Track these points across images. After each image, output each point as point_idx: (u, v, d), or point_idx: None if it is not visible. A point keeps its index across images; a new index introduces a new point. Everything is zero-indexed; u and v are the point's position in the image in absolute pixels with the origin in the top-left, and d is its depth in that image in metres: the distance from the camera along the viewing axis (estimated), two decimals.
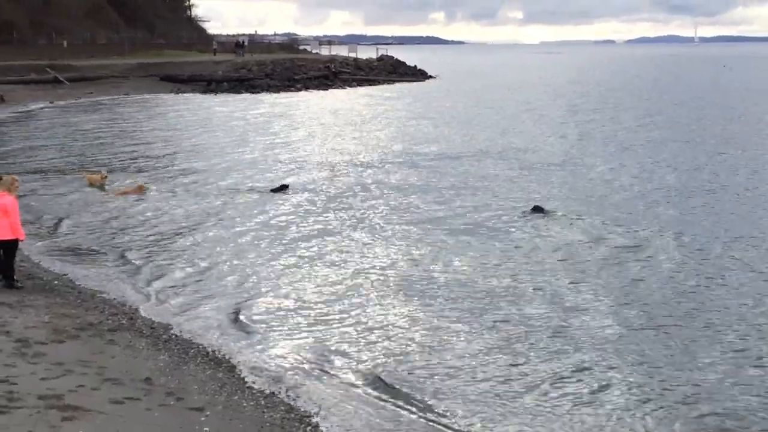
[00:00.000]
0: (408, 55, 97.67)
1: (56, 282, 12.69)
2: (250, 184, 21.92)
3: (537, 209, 17.63)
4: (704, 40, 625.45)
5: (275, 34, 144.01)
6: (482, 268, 13.70)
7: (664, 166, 24.51)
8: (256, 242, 15.83)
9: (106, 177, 21.60)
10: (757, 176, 22.73)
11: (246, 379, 9.24)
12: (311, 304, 12.10)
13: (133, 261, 14.50)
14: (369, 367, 9.83)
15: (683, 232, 16.19)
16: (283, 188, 20.72)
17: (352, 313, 11.72)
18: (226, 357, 9.94)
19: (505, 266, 13.86)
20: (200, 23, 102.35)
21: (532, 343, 10.41)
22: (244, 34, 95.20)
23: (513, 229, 16.47)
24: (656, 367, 9.70)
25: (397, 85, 67.78)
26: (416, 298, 12.27)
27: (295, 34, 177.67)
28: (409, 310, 11.76)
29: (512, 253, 14.71)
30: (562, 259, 14.32)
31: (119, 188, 21.17)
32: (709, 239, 15.68)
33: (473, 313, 11.54)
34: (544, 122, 38.03)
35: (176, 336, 10.55)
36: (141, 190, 20.71)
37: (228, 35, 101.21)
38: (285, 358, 10.10)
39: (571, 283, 12.92)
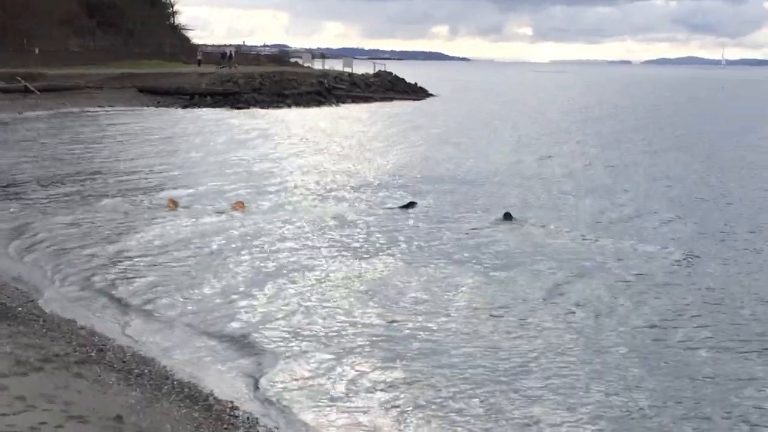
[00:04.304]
0: (407, 71, 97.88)
1: (20, 309, 12.63)
2: (377, 201, 23.19)
3: (507, 216, 20.47)
4: (729, 62, 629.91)
5: (264, 46, 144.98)
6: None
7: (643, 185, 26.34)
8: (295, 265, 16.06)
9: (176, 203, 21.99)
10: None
11: (224, 419, 9.19)
12: (313, 334, 12.16)
13: (129, 284, 14.55)
14: (364, 402, 9.86)
15: (658, 241, 18.57)
16: (412, 205, 22.21)
17: (352, 343, 11.79)
18: (204, 393, 9.91)
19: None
20: (184, 32, 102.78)
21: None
22: (231, 45, 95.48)
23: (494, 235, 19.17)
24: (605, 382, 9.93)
25: (395, 103, 68.11)
26: (424, 323, 12.38)
27: (286, 46, 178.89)
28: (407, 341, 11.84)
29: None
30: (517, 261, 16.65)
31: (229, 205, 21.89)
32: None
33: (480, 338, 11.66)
34: (534, 143, 38.87)
35: (150, 370, 10.51)
36: (240, 207, 21.39)
37: (214, 45, 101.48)
38: (268, 396, 10.09)
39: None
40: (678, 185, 27.36)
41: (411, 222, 20.50)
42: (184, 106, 56.70)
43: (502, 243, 18.33)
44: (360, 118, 54.07)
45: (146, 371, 10.47)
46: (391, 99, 70.51)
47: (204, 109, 55.84)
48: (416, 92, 78.44)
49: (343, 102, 65.52)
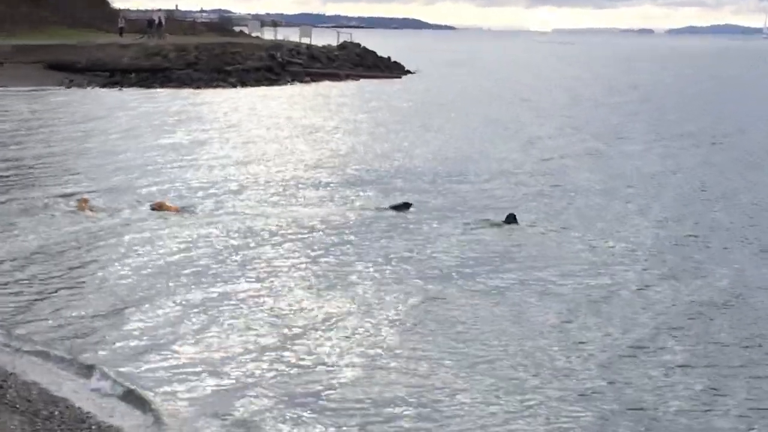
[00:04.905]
0: (379, 43, 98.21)
1: None
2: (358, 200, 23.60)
3: (510, 219, 21.08)
4: None
5: (202, 11, 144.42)
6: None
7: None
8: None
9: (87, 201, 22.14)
10: None
11: None
12: (236, 366, 12.21)
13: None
14: None
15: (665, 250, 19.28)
16: (405, 206, 22.57)
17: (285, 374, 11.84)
18: None
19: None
20: None
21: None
22: (160, 10, 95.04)
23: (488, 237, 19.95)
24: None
25: (365, 81, 68.36)
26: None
27: (229, 11, 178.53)
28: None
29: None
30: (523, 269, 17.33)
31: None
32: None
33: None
34: (533, 131, 39.61)
35: (60, 412, 10.44)
36: (168, 208, 21.73)
37: (139, 10, 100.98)
38: None
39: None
40: (697, 182, 27.94)
41: (394, 228, 20.63)
42: (103, 85, 56.74)
43: (501, 252, 18.60)
44: (321, 99, 54.25)
45: (56, 413, 10.39)
46: (359, 76, 70.60)
47: (127, 90, 55.80)
48: (390, 68, 78.55)
49: (301, 80, 65.59)
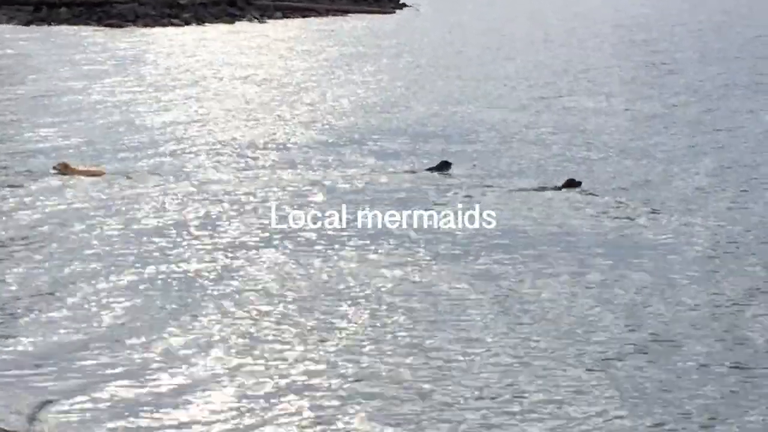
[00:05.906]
0: None
1: None
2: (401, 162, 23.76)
3: (571, 183, 21.66)
4: None
5: None
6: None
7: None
8: None
9: None
10: None
11: None
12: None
13: None
14: None
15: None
16: (446, 166, 23.12)
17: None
18: None
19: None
20: None
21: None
22: None
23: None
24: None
25: (350, 17, 68.82)
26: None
27: None
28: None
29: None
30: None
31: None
32: None
33: None
34: (574, 80, 39.71)
35: None
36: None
37: None
38: None
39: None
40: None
41: (434, 193, 20.78)
42: (27, 23, 57.09)
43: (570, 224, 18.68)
44: (294, 41, 54.55)
45: None
46: (342, 11, 71.15)
47: (57, 27, 56.17)
48: (379, 1, 78.54)
49: (270, 16, 65.86)
